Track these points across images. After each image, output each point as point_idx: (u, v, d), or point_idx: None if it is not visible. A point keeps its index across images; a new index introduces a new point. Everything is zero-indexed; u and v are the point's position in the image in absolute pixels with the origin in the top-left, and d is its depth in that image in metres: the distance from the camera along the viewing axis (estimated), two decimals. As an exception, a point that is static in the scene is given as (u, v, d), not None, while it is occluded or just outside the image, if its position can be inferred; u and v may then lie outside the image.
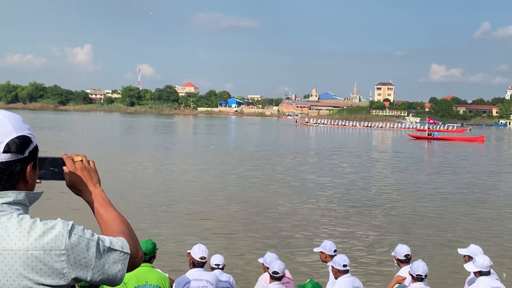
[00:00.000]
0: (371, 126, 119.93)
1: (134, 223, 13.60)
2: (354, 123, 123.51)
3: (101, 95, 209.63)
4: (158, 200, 19.17)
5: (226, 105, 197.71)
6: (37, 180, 1.91)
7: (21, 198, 1.79)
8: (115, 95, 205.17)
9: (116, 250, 1.83)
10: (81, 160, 2.02)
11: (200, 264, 6.20)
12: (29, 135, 1.79)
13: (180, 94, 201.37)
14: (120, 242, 1.87)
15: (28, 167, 1.80)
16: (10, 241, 1.70)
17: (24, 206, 1.81)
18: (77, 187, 2.01)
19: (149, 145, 45.73)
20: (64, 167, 2.00)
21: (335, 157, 39.84)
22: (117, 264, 1.83)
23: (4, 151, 1.73)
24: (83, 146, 40.93)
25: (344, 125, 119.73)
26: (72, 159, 2.01)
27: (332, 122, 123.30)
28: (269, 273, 6.31)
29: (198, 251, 6.22)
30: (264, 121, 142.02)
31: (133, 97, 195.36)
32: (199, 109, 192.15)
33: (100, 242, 1.79)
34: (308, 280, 6.09)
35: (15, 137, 1.75)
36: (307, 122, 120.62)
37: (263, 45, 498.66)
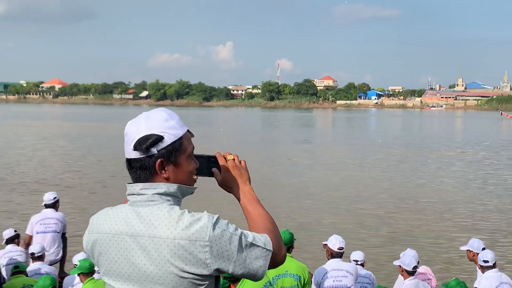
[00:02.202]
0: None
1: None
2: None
3: (242, 90, 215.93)
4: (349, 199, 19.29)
5: (365, 98, 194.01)
6: (194, 176, 2.02)
7: (173, 190, 1.91)
8: (255, 91, 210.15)
9: (258, 246, 1.88)
10: (233, 159, 2.10)
11: (338, 254, 6.18)
12: (161, 134, 1.88)
13: (318, 88, 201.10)
14: (263, 239, 1.91)
15: (157, 164, 1.89)
16: (160, 229, 1.82)
17: (176, 198, 1.93)
18: (229, 184, 2.10)
19: (301, 139, 46.17)
20: (213, 169, 2.11)
21: None
22: (259, 260, 1.88)
23: (134, 149, 1.89)
24: (235, 141, 42.36)
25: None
26: (225, 158, 2.11)
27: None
28: (404, 269, 6.11)
29: (335, 242, 6.20)
30: (407, 113, 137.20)
31: (273, 92, 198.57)
32: (338, 102, 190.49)
33: (243, 237, 1.85)
34: (453, 278, 5.87)
35: (142, 136, 1.87)
36: None
37: (405, 34, 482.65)
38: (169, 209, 1.85)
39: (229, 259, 1.82)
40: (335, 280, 6.00)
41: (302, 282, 5.82)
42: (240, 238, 1.84)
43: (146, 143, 1.87)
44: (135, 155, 1.89)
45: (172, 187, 1.91)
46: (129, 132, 1.92)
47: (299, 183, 21.45)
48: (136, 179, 1.93)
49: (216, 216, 1.84)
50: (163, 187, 1.90)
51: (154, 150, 1.88)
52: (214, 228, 1.80)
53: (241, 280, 4.83)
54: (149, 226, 1.83)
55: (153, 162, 1.89)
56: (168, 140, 1.89)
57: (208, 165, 2.09)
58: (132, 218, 1.88)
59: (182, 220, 1.81)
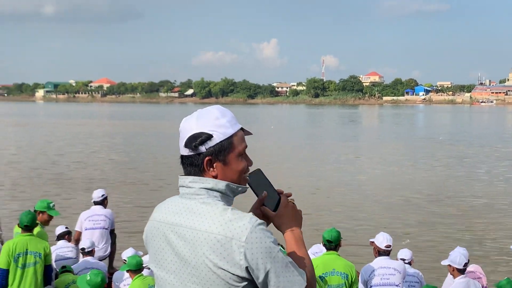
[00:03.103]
0: None
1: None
2: None
3: (286, 87, 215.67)
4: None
5: (413, 94, 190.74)
6: (246, 176, 2.02)
7: (221, 187, 1.93)
8: (300, 87, 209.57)
9: (295, 271, 1.85)
10: (293, 203, 2.11)
11: (385, 252, 6.10)
12: (210, 132, 1.91)
13: (364, 84, 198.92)
14: (301, 271, 1.89)
15: (205, 162, 1.92)
16: (201, 222, 1.84)
17: (225, 196, 1.95)
18: (281, 219, 2.07)
19: (361, 136, 45.86)
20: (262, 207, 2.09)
21: None
22: (293, 284, 1.83)
23: (184, 146, 1.93)
24: (285, 138, 42.37)
25: None
26: (287, 196, 2.11)
27: None
28: (454, 267, 5.95)
29: (382, 240, 6.12)
30: (456, 109, 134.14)
31: (318, 89, 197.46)
32: (384, 98, 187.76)
33: (280, 254, 1.83)
34: (506, 278, 5.72)
35: (192, 134, 1.92)
36: None
37: (454, 28, 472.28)
38: (213, 204, 1.87)
39: (259, 268, 1.80)
40: (382, 278, 5.92)
41: (350, 281, 5.79)
42: (277, 253, 1.82)
43: (195, 141, 1.91)
44: (186, 152, 1.94)
45: (221, 184, 1.93)
46: (182, 129, 1.97)
47: (356, 181, 21.25)
48: (187, 174, 1.97)
49: (259, 221, 1.83)
50: (210, 182, 1.92)
51: (202, 148, 1.91)
52: (252, 231, 1.79)
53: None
54: (191, 218, 1.87)
55: (202, 159, 1.92)
56: (217, 139, 1.92)
57: (270, 196, 2.08)
58: (178, 208, 1.93)
59: (223, 216, 1.83)
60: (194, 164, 1.94)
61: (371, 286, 5.94)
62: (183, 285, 1.87)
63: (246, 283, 1.82)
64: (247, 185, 2.03)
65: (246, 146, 1.99)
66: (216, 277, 1.79)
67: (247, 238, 1.77)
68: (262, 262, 1.79)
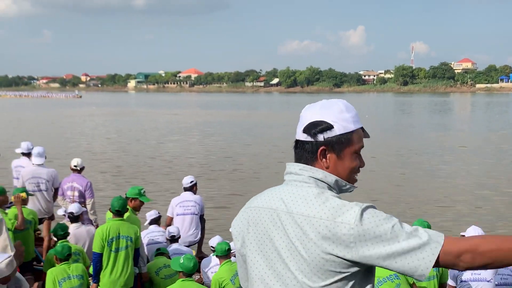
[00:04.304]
0: None
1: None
2: None
3: (373, 76, 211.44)
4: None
5: (508, 81, 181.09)
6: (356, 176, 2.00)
7: (330, 180, 1.93)
8: (387, 75, 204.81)
9: (418, 237, 1.72)
10: None
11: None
12: (332, 123, 1.92)
13: (456, 71, 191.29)
14: (432, 232, 1.76)
15: (319, 150, 1.93)
16: (307, 208, 1.83)
17: (332, 189, 1.93)
18: None
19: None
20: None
21: None
22: (417, 253, 1.71)
23: (303, 131, 1.96)
24: (380, 128, 41.72)
25: None
26: None
27: None
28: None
29: (473, 233, 5.92)
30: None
31: (406, 76, 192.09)
32: (477, 85, 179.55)
33: (396, 226, 1.74)
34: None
35: (314, 121, 1.93)
36: None
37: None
38: (319, 192, 1.86)
39: (374, 248, 1.73)
40: (473, 273, 5.74)
41: (441, 271, 5.71)
42: (393, 227, 1.73)
43: (315, 128, 1.93)
44: (303, 137, 1.96)
45: (330, 177, 1.93)
46: (303, 115, 1.99)
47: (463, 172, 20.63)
48: (298, 160, 1.99)
49: (366, 204, 1.80)
50: (320, 173, 1.92)
51: (320, 137, 1.93)
52: (362, 214, 1.75)
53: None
54: (297, 204, 1.85)
55: (317, 147, 1.94)
56: (337, 131, 1.92)
57: None
58: (283, 195, 1.92)
59: (329, 201, 1.81)
60: (308, 150, 1.95)
61: (461, 281, 5.77)
62: (285, 270, 1.86)
63: (358, 269, 1.79)
64: (355, 186, 2.01)
65: (362, 146, 1.99)
66: (325, 262, 1.77)
67: (356, 220, 1.73)
68: (373, 242, 1.73)
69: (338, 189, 1.95)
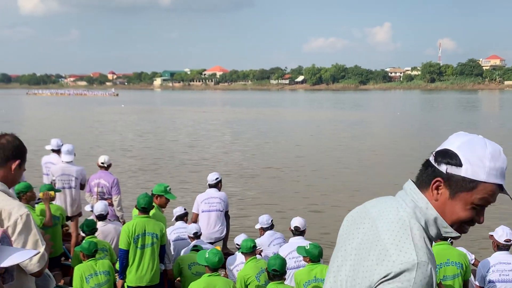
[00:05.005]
0: None
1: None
2: None
3: (400, 73, 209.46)
4: None
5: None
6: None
7: (430, 214, 1.80)
8: (414, 72, 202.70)
9: None
10: None
11: (505, 247, 5.81)
12: (463, 162, 1.74)
13: (484, 68, 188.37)
14: None
15: (433, 180, 1.80)
16: (384, 225, 1.80)
17: (429, 226, 1.81)
18: None
19: None
20: None
21: None
22: None
23: (434, 153, 1.84)
24: (414, 126, 41.33)
25: None
26: None
27: None
28: None
29: (502, 234, 5.83)
30: None
31: (433, 73, 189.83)
32: (506, 82, 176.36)
33: None
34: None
35: (446, 149, 1.79)
36: None
37: None
38: (406, 218, 1.78)
39: None
40: (501, 274, 5.65)
41: (464, 270, 5.65)
42: None
43: (443, 157, 1.79)
44: (431, 159, 1.83)
45: (431, 212, 1.80)
46: (449, 138, 1.85)
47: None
48: (417, 179, 1.87)
49: (424, 260, 1.69)
50: (424, 203, 1.81)
51: (443, 168, 1.78)
52: (413, 268, 1.66)
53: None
54: (382, 217, 1.82)
55: (434, 176, 1.80)
56: (463, 172, 1.75)
57: None
58: (382, 203, 1.89)
59: (403, 232, 1.74)
60: (427, 174, 1.83)
61: (489, 282, 5.69)
62: (354, 273, 1.82)
63: None
64: (460, 235, 1.83)
65: (489, 202, 1.78)
66: (366, 277, 1.74)
67: (401, 270, 1.66)
68: None
69: (435, 228, 1.81)
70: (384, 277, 1.68)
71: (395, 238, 1.73)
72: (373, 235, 1.79)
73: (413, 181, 1.87)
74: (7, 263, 1.80)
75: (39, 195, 7.47)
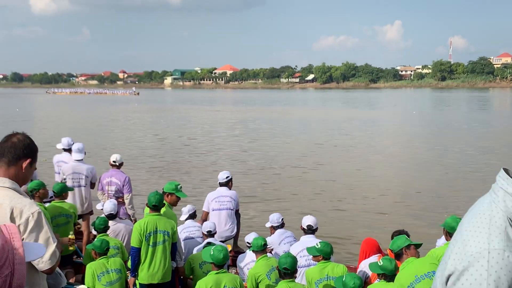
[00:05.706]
0: None
1: None
2: None
3: (411, 71, 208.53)
4: None
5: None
6: None
7: (509, 200, 1.69)
8: (425, 71, 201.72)
9: None
10: None
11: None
12: None
13: (495, 66, 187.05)
14: None
15: None
16: (469, 224, 1.73)
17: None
18: None
19: None
20: None
21: None
22: None
23: None
24: (429, 126, 41.14)
25: None
26: None
27: None
28: None
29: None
30: None
31: (444, 72, 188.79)
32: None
33: None
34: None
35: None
36: None
37: None
38: (484, 215, 1.70)
39: None
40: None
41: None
42: None
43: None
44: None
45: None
46: None
47: None
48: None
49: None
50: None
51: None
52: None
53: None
54: (467, 214, 1.79)
55: None
56: None
57: None
58: (478, 201, 1.81)
59: (487, 226, 1.67)
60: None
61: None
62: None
63: None
64: None
65: None
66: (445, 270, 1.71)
67: (473, 259, 1.63)
68: None
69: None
70: (457, 270, 1.65)
71: (471, 228, 1.69)
72: (459, 228, 1.77)
73: (505, 169, 1.76)
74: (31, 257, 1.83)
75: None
